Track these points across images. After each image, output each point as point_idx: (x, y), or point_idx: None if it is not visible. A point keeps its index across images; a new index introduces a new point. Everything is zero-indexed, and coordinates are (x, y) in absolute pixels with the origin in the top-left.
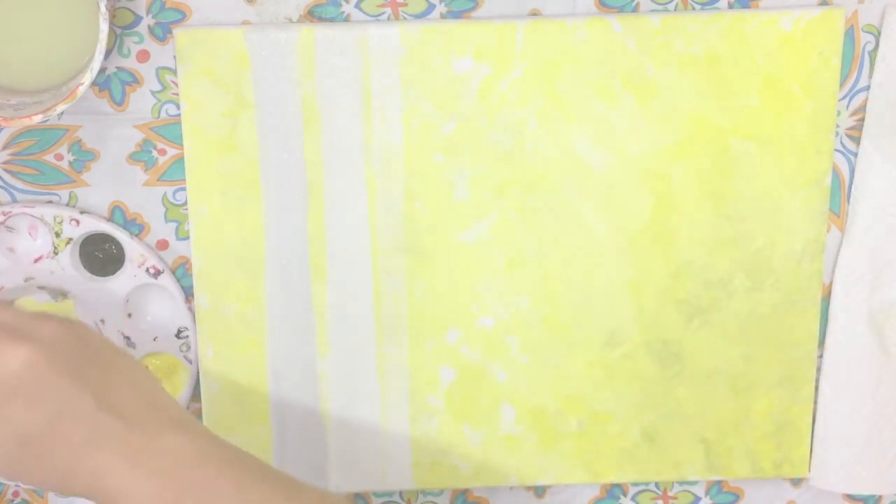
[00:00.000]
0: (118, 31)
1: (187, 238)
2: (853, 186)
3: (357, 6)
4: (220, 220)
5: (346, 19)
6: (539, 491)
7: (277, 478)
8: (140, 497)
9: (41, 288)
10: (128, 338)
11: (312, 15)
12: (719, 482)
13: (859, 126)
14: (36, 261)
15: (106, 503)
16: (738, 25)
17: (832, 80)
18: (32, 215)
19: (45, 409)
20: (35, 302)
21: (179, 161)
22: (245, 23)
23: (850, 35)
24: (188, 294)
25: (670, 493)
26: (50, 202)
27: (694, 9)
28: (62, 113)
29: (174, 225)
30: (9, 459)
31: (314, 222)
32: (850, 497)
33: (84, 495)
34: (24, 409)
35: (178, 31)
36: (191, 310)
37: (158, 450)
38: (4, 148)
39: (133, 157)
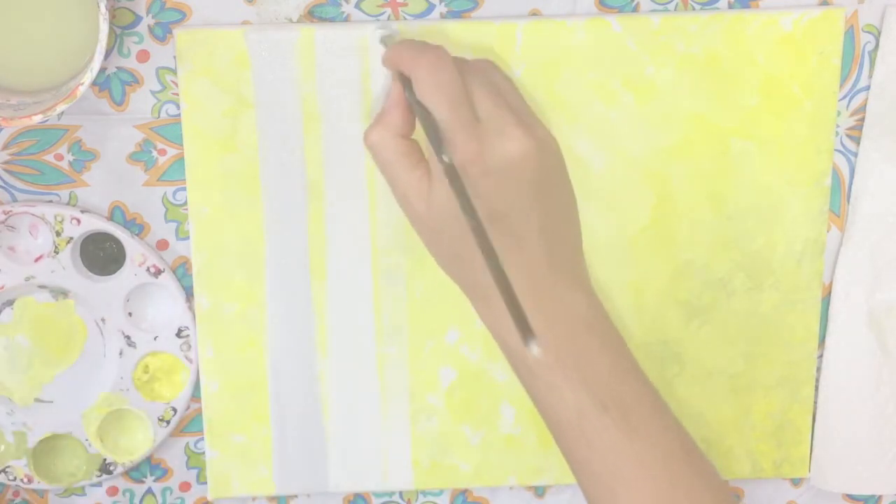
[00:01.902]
0: (118, 31)
1: (187, 238)
2: (853, 186)
3: (357, 6)
4: (220, 220)
5: (346, 19)
6: (539, 491)
7: (646, 381)
8: None
9: (42, 287)
10: (128, 337)
11: (312, 15)
12: None
13: (859, 126)
14: (36, 260)
15: (482, 307)
16: (738, 25)
17: (832, 80)
18: (33, 214)
19: (504, 200)
20: (35, 301)
21: (179, 161)
22: (245, 23)
23: (850, 35)
24: (188, 294)
25: None
26: (50, 202)
27: (694, 9)
28: (62, 113)
29: (174, 225)
30: (446, 213)
31: (314, 222)
32: (850, 497)
33: (466, 286)
34: (489, 190)
35: (178, 31)
36: (191, 309)
37: (556, 296)
38: (4, 148)
39: (133, 157)
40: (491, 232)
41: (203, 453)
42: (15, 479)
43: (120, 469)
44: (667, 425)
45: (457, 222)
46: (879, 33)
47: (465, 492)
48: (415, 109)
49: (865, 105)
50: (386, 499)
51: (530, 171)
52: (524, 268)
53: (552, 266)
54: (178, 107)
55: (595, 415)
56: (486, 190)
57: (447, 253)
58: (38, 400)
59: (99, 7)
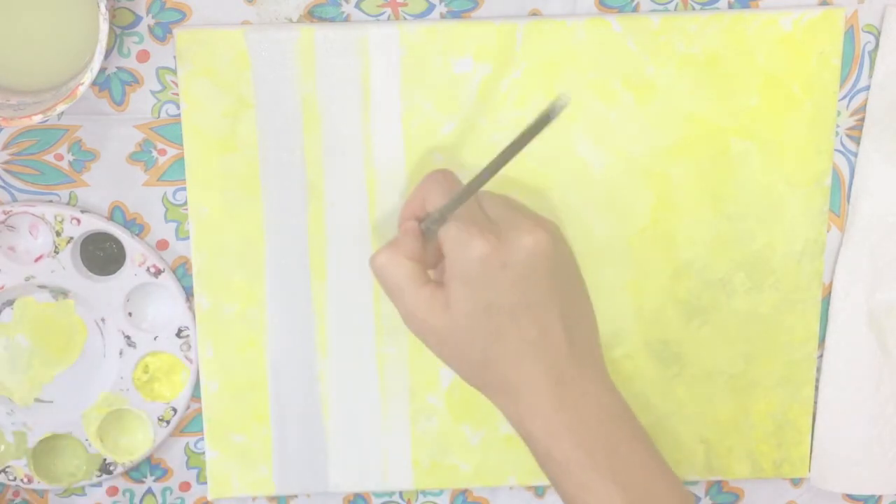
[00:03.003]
0: (118, 31)
1: (187, 238)
2: (853, 186)
3: (357, 6)
4: (220, 220)
5: (346, 19)
6: (539, 491)
7: (670, 472)
8: (550, 423)
9: (42, 287)
10: (128, 337)
11: (312, 15)
12: (719, 482)
13: (859, 126)
14: (37, 260)
15: (509, 405)
16: (738, 25)
17: (832, 80)
18: (33, 214)
19: (525, 291)
20: (35, 301)
21: (179, 161)
22: (245, 23)
23: (850, 35)
24: (188, 294)
25: None
26: (50, 202)
27: (694, 9)
28: (62, 113)
29: (174, 225)
30: (469, 316)
31: (314, 222)
32: (850, 497)
33: (490, 387)
34: (510, 282)
35: (178, 31)
36: (191, 309)
37: (582, 392)
38: (4, 148)
39: (133, 157)
40: (516, 325)
41: (203, 453)
42: (15, 479)
43: (120, 469)
44: None
45: (482, 320)
46: (879, 33)
47: (465, 492)
48: (430, 229)
49: (865, 105)
50: (386, 499)
51: (546, 261)
52: (550, 360)
53: (574, 357)
54: (178, 107)
55: None
56: (506, 282)
57: (474, 359)
58: (38, 400)
59: (99, 7)
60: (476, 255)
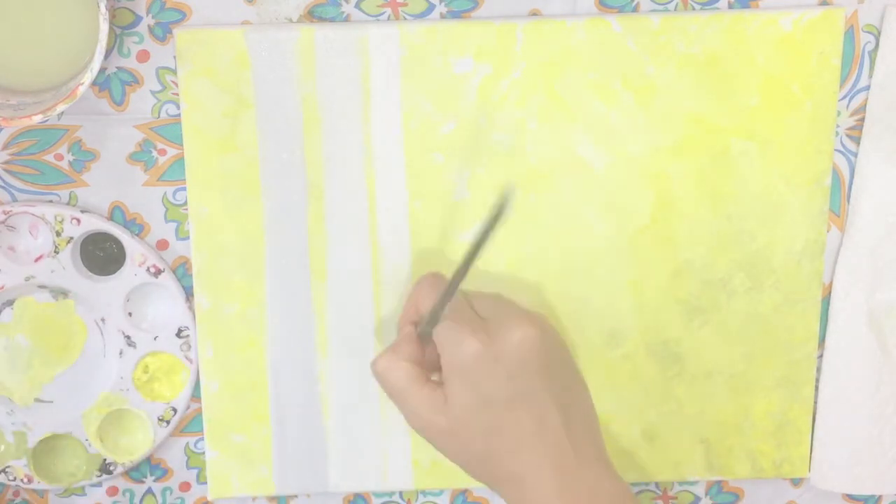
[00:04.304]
0: (118, 31)
1: (187, 238)
2: (853, 186)
3: (357, 6)
4: (220, 220)
5: (346, 19)
6: None
7: None
8: None
9: (42, 287)
10: (128, 337)
11: (312, 15)
12: (719, 482)
13: (859, 126)
14: (36, 260)
15: (514, 495)
16: (738, 25)
17: (832, 80)
18: (33, 214)
19: (519, 383)
20: (35, 301)
21: (179, 161)
22: (245, 23)
23: (850, 35)
24: (188, 294)
25: (670, 493)
26: (50, 202)
27: (694, 9)
28: (62, 113)
29: (174, 225)
30: (468, 411)
31: (314, 222)
32: (850, 497)
33: (495, 479)
34: (504, 376)
35: (178, 31)
36: (191, 309)
37: (583, 479)
38: (4, 148)
39: (133, 157)
40: (514, 417)
41: (203, 453)
42: (15, 479)
43: (120, 469)
44: None
45: (481, 414)
46: (879, 33)
47: (465, 492)
48: (424, 332)
49: (865, 105)
50: (386, 499)
51: (537, 354)
52: (550, 450)
53: (574, 446)
54: (178, 107)
55: None
56: (500, 376)
57: (476, 452)
58: (38, 400)
59: (99, 7)
60: (469, 353)
